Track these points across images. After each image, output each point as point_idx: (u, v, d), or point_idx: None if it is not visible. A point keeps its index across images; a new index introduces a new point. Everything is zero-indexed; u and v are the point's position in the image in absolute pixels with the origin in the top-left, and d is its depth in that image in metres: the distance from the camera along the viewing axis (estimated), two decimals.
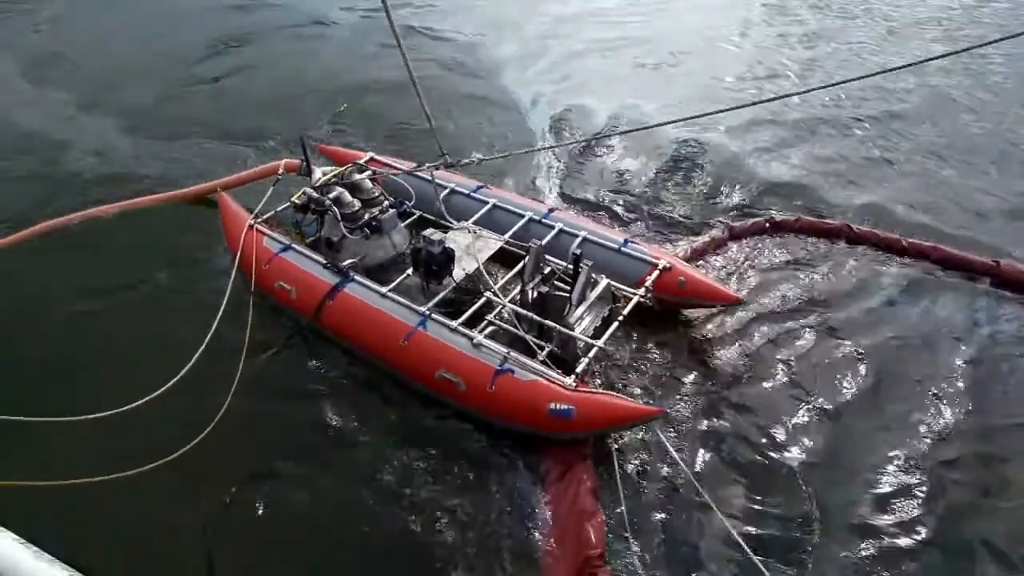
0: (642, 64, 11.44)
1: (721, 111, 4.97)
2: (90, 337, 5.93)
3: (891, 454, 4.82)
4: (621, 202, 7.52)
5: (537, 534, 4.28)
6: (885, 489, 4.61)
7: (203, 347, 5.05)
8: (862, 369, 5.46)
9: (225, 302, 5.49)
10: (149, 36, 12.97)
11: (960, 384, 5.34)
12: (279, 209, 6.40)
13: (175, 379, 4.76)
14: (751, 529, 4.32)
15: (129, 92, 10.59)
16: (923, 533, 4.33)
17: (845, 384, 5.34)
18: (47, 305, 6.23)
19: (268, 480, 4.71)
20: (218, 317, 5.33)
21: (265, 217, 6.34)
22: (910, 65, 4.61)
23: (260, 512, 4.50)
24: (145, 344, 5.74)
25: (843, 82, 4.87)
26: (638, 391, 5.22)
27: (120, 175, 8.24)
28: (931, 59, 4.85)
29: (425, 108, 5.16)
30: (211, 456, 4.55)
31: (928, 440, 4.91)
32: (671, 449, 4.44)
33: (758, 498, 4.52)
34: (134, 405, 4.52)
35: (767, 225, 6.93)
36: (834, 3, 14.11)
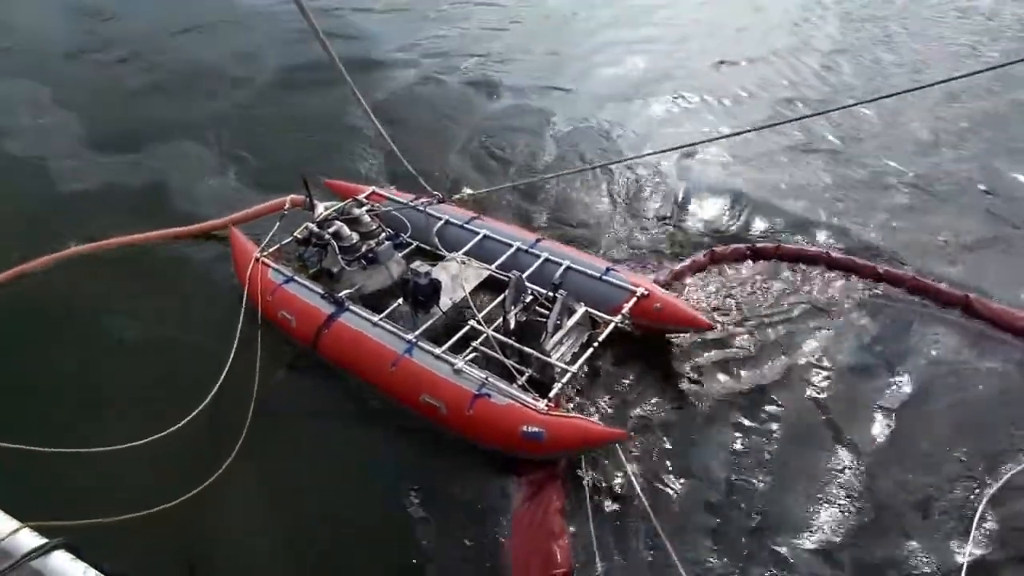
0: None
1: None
2: (105, 368, 6.21)
3: (857, 488, 4.97)
4: (605, 226, 7.87)
5: (506, 552, 4.58)
6: (845, 527, 4.74)
7: (221, 379, 5.47)
8: (829, 398, 5.66)
9: (238, 333, 5.93)
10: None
11: (932, 411, 5.58)
12: (283, 243, 6.88)
13: (195, 412, 5.12)
14: (705, 558, 4.55)
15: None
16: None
17: (812, 413, 5.55)
18: (62, 337, 6.50)
19: (284, 501, 5.14)
20: (233, 349, 5.76)
21: (271, 250, 6.82)
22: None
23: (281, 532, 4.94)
24: (161, 377, 6.06)
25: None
26: (610, 413, 5.52)
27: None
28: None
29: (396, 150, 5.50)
30: (234, 485, 4.94)
31: (904, 481, 5.03)
32: (632, 476, 4.71)
33: (715, 525, 4.75)
34: (158, 436, 4.85)
35: (748, 251, 7.18)
36: None
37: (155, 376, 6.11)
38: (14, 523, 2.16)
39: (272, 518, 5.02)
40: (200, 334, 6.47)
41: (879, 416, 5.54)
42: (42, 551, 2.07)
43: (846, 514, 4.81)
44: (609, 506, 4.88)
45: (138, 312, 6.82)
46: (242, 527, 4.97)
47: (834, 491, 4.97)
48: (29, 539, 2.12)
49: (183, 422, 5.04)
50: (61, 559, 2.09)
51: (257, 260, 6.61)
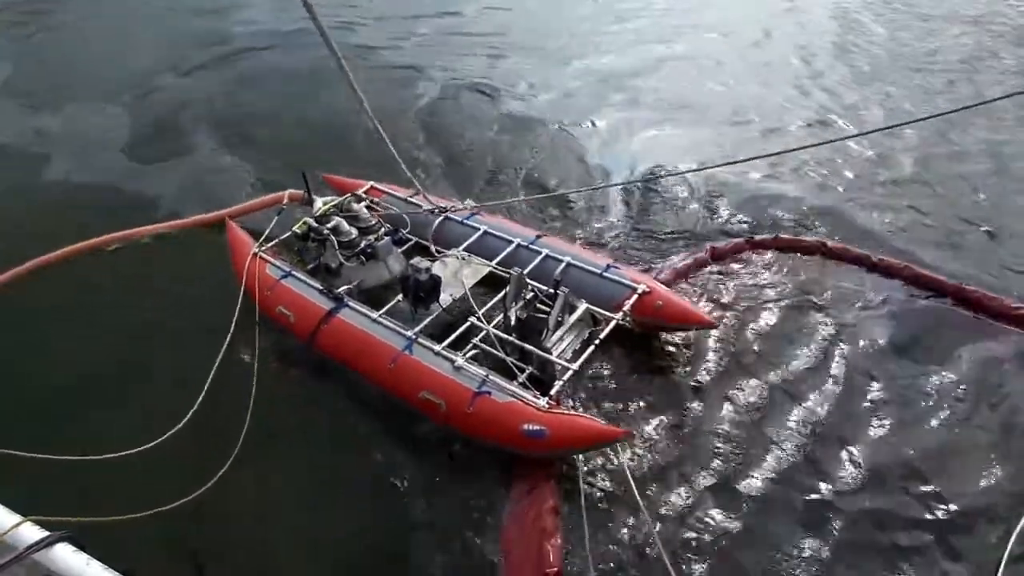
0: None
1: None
2: (99, 368, 6.11)
3: (859, 487, 4.98)
4: (607, 226, 7.84)
5: (498, 550, 4.58)
6: (847, 526, 4.74)
7: (211, 376, 5.40)
8: (831, 393, 5.69)
9: (232, 328, 5.89)
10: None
11: (928, 396, 5.65)
12: (282, 238, 6.82)
13: (188, 415, 5.05)
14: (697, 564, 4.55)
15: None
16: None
17: (813, 409, 5.56)
18: (53, 338, 6.43)
19: (280, 497, 5.14)
20: (224, 345, 5.71)
21: (269, 245, 6.75)
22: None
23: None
24: (156, 373, 6.03)
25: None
26: (610, 412, 5.50)
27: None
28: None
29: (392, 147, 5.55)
30: (234, 483, 4.89)
31: (908, 473, 5.08)
32: (629, 475, 4.63)
33: (710, 531, 4.73)
34: (156, 443, 4.80)
35: (747, 244, 7.18)
36: None
37: (152, 374, 6.06)
38: (16, 517, 2.20)
39: (268, 513, 5.04)
40: (196, 329, 6.37)
41: (877, 410, 5.58)
42: (45, 543, 2.11)
43: (847, 513, 4.83)
44: (603, 506, 4.88)
45: (136, 308, 6.77)
46: (242, 523, 4.99)
47: (835, 490, 4.98)
48: (32, 532, 2.16)
49: (179, 425, 4.98)
50: (64, 551, 2.12)
51: (255, 255, 6.55)
